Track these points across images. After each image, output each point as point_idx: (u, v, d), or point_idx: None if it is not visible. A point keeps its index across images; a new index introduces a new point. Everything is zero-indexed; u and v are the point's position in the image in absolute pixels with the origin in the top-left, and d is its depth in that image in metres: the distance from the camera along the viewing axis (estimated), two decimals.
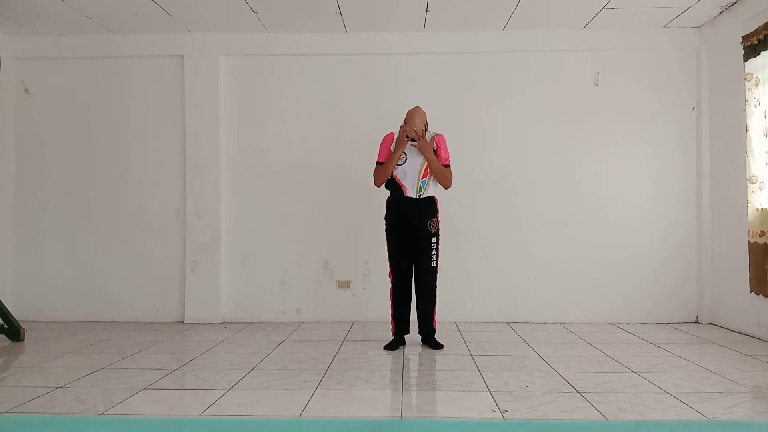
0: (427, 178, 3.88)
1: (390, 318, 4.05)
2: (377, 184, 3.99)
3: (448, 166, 3.94)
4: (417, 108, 3.95)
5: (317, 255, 5.10)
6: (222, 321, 5.06)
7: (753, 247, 4.15)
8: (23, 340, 4.26)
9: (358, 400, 2.80)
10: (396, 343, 3.94)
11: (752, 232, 4.16)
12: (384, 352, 3.84)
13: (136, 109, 5.20)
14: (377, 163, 3.97)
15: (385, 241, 4.02)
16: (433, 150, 3.87)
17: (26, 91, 5.23)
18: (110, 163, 5.20)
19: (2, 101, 5.12)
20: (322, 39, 5.07)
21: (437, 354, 3.79)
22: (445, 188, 3.97)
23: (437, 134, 3.95)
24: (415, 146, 3.86)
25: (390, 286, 4.03)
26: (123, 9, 4.57)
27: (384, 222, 4.02)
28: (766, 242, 4.04)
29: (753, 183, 4.16)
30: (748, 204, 4.20)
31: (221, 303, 5.08)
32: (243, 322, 5.01)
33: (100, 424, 2.52)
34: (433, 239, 3.90)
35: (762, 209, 4.09)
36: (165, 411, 2.67)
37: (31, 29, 4.99)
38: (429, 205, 3.93)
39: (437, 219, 3.95)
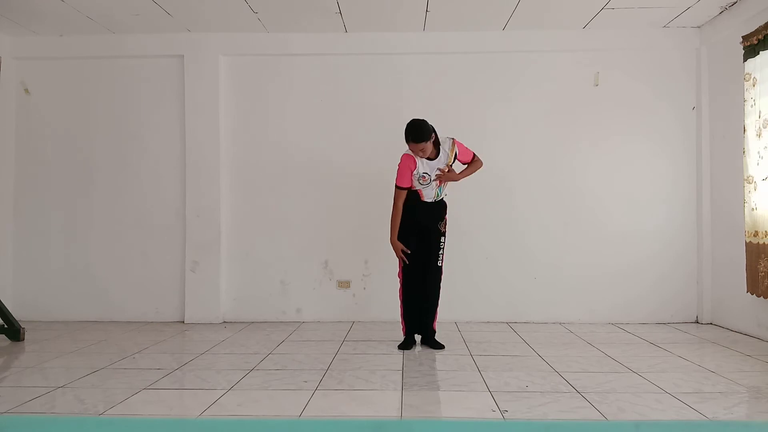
0: (443, 185, 3.95)
1: (400, 318, 4.06)
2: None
3: (475, 155, 4.03)
4: (415, 137, 3.73)
5: (317, 255, 5.10)
6: (222, 321, 5.06)
7: (748, 248, 4.16)
8: (23, 340, 4.26)
9: (358, 400, 2.80)
10: (409, 343, 3.95)
11: (748, 233, 4.17)
12: (384, 352, 3.84)
13: (135, 109, 5.20)
14: (396, 186, 3.91)
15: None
16: (455, 155, 3.91)
17: (26, 91, 5.23)
18: (110, 163, 5.20)
19: (2, 101, 5.12)
20: (322, 39, 5.07)
21: (437, 354, 3.79)
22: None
23: (452, 139, 3.95)
24: (442, 178, 3.89)
25: (399, 286, 4.04)
26: (123, 9, 4.57)
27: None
28: (759, 243, 4.04)
29: (749, 183, 4.16)
30: (745, 204, 4.20)
31: (221, 303, 5.08)
32: (243, 322, 5.01)
33: (100, 424, 2.51)
34: (441, 239, 3.96)
35: (755, 209, 4.10)
36: (165, 411, 2.67)
37: (31, 29, 4.99)
38: (442, 207, 4.00)
39: (446, 220, 4.01)
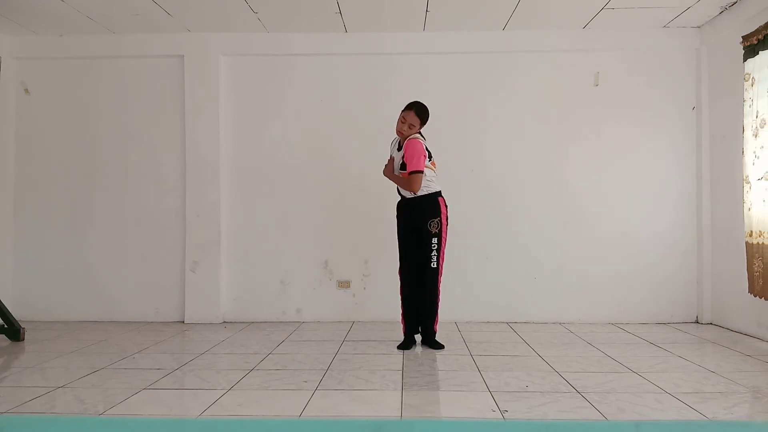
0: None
1: (401, 318, 4.05)
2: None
3: (412, 173, 3.74)
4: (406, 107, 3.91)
5: (317, 255, 5.10)
6: (222, 321, 5.06)
7: (748, 248, 4.16)
8: (23, 340, 4.26)
9: (358, 400, 2.80)
10: (408, 343, 3.94)
11: (747, 233, 4.17)
12: (384, 352, 3.84)
13: (136, 109, 5.20)
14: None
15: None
16: (402, 154, 3.83)
17: (26, 91, 5.23)
18: (110, 163, 5.20)
19: (2, 101, 5.12)
20: (322, 39, 5.07)
21: (437, 354, 3.79)
22: (413, 192, 3.82)
23: (416, 138, 3.82)
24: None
25: (399, 285, 4.05)
26: (123, 9, 4.57)
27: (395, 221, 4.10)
28: (753, 243, 4.05)
29: (748, 183, 4.16)
30: (744, 204, 4.20)
31: (221, 303, 5.08)
32: (243, 322, 5.01)
33: (100, 424, 2.52)
34: (434, 240, 3.84)
35: (751, 209, 4.10)
36: (165, 411, 2.67)
37: (31, 29, 4.99)
38: (429, 205, 3.86)
39: (439, 219, 3.86)
